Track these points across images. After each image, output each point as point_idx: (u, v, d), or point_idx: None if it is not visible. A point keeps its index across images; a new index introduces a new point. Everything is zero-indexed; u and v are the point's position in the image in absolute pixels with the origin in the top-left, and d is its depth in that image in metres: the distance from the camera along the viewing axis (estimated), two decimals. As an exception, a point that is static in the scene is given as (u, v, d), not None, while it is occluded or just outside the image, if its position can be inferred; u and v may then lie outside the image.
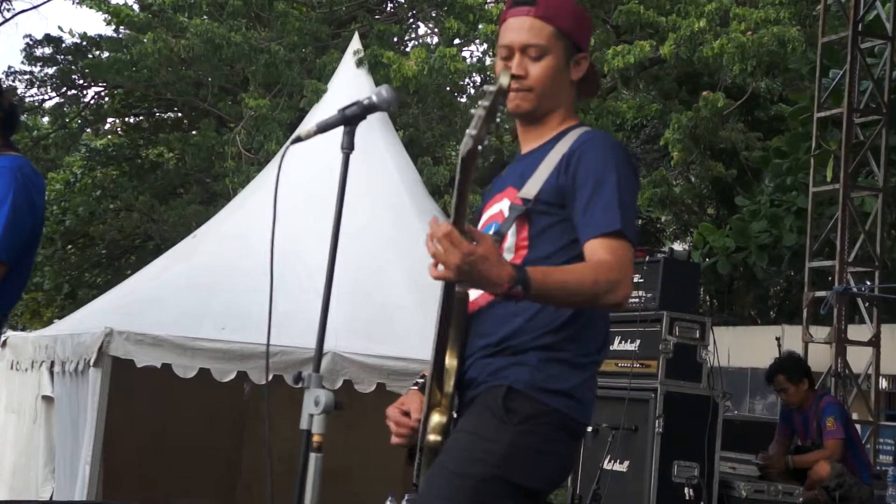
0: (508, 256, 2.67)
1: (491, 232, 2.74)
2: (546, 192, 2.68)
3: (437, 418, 2.66)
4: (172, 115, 19.65)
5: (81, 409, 7.78)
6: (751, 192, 13.33)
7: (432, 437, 2.65)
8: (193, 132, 17.89)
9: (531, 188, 2.70)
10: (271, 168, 10.62)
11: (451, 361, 2.67)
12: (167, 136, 18.98)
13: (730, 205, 14.15)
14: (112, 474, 8.03)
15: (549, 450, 2.65)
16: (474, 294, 2.71)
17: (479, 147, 2.33)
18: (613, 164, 2.64)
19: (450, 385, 2.66)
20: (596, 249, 2.57)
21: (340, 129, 3.29)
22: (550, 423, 2.63)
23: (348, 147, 3.30)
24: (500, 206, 2.79)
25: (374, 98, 3.31)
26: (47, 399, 8.56)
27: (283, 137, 12.18)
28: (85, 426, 7.63)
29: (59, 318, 14.86)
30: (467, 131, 2.31)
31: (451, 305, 2.64)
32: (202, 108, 17.10)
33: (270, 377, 7.96)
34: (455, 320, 2.68)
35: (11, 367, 9.50)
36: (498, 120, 2.46)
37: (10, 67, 33.04)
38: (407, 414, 2.78)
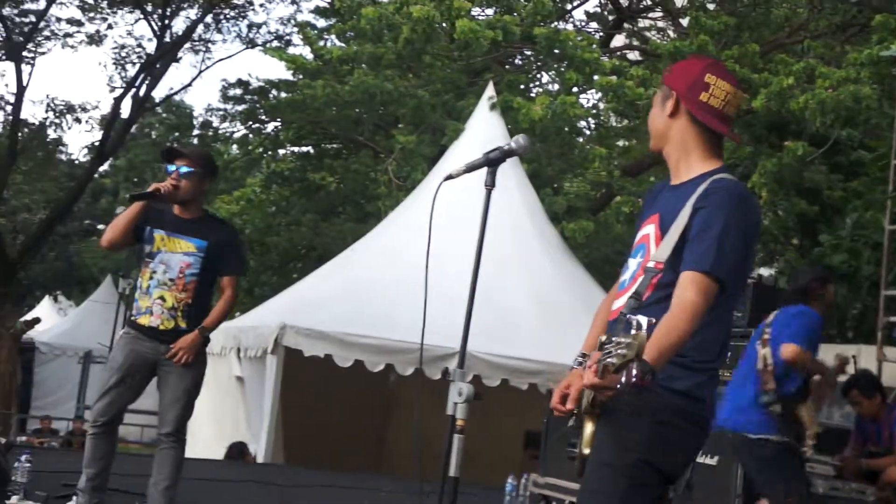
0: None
1: (637, 258, 2.78)
2: (672, 256, 2.68)
3: (589, 428, 2.65)
4: (335, 146, 19.95)
5: (263, 388, 8.06)
6: (832, 227, 12.96)
7: (586, 451, 2.65)
8: (351, 160, 18.22)
9: (663, 252, 2.69)
10: (416, 194, 10.77)
11: None
12: (330, 164, 19.33)
13: (812, 237, 13.77)
14: (289, 440, 8.30)
15: (679, 439, 2.65)
16: (616, 304, 2.77)
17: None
18: (725, 214, 2.63)
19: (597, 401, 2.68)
20: (685, 285, 2.58)
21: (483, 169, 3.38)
22: (676, 415, 2.63)
23: (490, 184, 3.40)
24: (648, 232, 2.80)
25: (513, 145, 3.40)
26: (239, 379, 8.87)
27: (426, 168, 12.33)
28: (265, 402, 7.91)
29: (242, 312, 15.28)
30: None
31: None
32: (359, 141, 17.42)
33: (412, 370, 8.13)
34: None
35: (208, 353, 9.83)
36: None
37: (209, 105, 34.13)
38: (566, 397, 2.73)
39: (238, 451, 8.44)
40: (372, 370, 8.16)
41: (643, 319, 2.33)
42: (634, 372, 2.29)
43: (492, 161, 3.19)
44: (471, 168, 3.24)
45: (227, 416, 9.20)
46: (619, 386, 2.34)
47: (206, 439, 9.67)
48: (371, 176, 15.83)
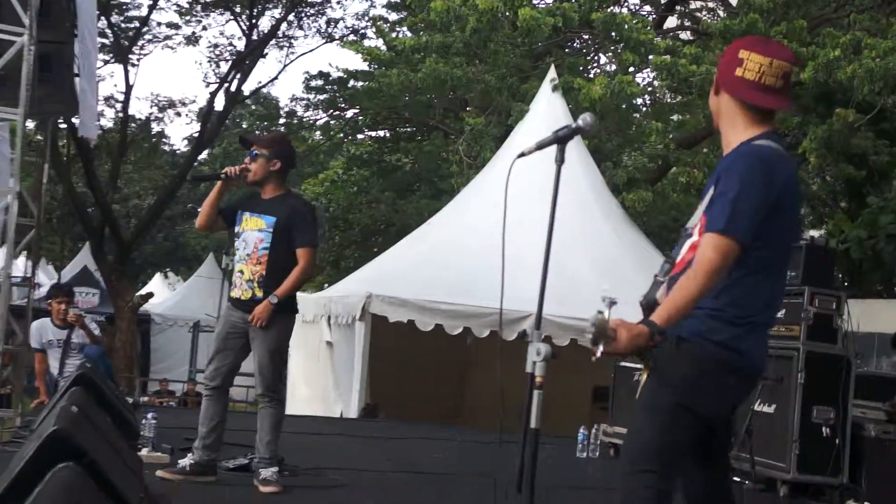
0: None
1: (687, 243, 2.78)
2: (699, 223, 2.71)
3: (644, 378, 2.74)
4: (408, 130, 20.04)
5: (351, 352, 8.18)
6: (879, 190, 12.60)
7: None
8: (424, 142, 18.27)
9: (695, 218, 2.73)
10: (486, 171, 10.77)
11: None
12: (405, 146, 19.43)
13: (860, 200, 13.40)
14: (375, 398, 8.42)
15: (715, 386, 2.66)
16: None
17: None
18: (738, 176, 2.62)
19: (648, 356, 2.72)
20: (703, 245, 2.59)
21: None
22: (713, 364, 2.64)
23: (560, 160, 3.37)
24: (698, 216, 2.79)
25: (581, 123, 3.38)
26: (328, 343, 9.01)
27: (495, 147, 12.30)
28: (354, 364, 8.02)
29: (330, 283, 15.49)
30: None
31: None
32: (431, 124, 17.46)
33: (488, 332, 8.18)
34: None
35: (301, 321, 10.02)
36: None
37: (293, 95, 34.45)
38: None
39: (370, 410, 8.62)
40: (451, 333, 8.22)
41: (608, 303, 2.54)
42: (601, 349, 2.50)
43: (561, 139, 3.19)
44: (541, 146, 3.24)
45: (318, 377, 9.38)
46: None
47: (302, 398, 9.90)
48: (443, 156, 15.87)
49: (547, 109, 10.25)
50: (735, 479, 5.23)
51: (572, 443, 6.88)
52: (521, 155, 3.43)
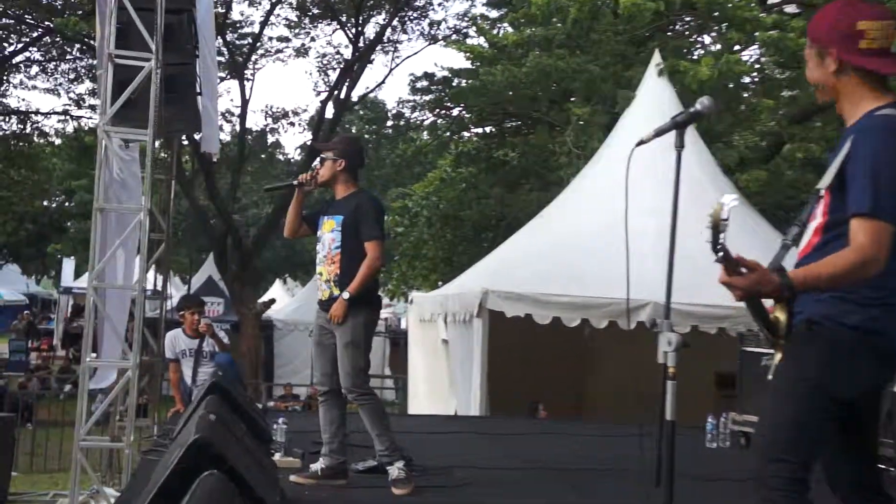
0: (813, 236, 2.63)
1: (819, 209, 2.65)
2: (835, 180, 2.57)
3: (777, 357, 2.64)
4: (514, 124, 19.93)
5: (470, 349, 8.16)
6: None
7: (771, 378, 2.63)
8: (530, 136, 18.13)
9: (826, 180, 2.60)
10: (595, 160, 10.58)
11: (780, 315, 2.62)
12: (511, 140, 19.32)
13: None
14: (496, 394, 8.38)
15: (851, 369, 2.54)
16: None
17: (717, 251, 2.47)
18: (872, 151, 2.48)
19: (782, 332, 2.62)
20: (854, 230, 2.45)
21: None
22: (848, 347, 2.52)
23: (680, 146, 3.29)
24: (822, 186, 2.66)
25: (699, 106, 3.28)
26: (445, 342, 9.03)
27: (602, 137, 12.10)
28: (473, 361, 8.00)
29: (443, 281, 15.55)
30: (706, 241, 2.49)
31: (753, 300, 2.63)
32: (536, 117, 17.29)
33: (606, 323, 8.03)
34: None
35: (420, 320, 10.08)
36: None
37: (399, 98, 34.89)
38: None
39: (532, 408, 8.63)
40: (568, 325, 8.10)
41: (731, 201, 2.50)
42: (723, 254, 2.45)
43: (679, 124, 3.10)
44: (660, 132, 3.16)
45: (436, 375, 9.41)
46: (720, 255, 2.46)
47: (423, 397, 9.96)
48: (550, 148, 15.68)
49: (653, 95, 9.99)
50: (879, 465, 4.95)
51: (698, 433, 6.67)
52: (641, 143, 3.36)
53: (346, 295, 4.61)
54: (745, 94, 14.59)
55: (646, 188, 7.92)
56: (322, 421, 4.77)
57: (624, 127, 10.08)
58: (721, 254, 2.47)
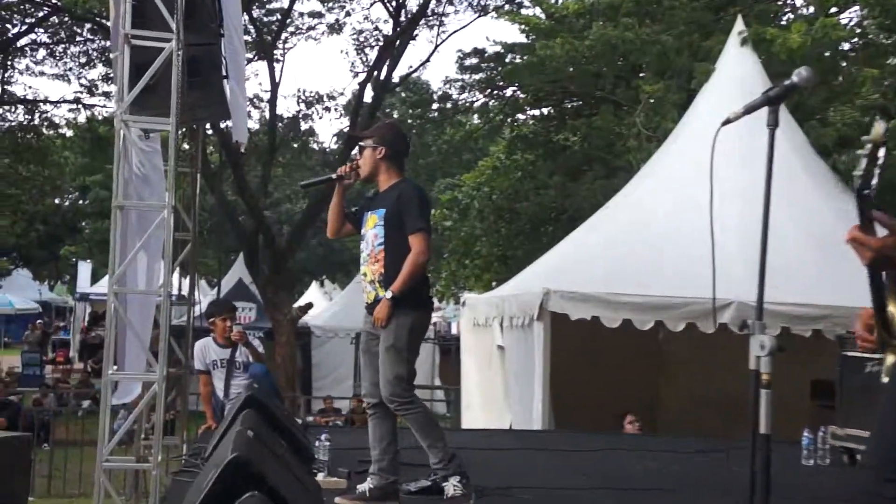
0: None
1: None
2: None
3: (890, 359, 2.59)
4: (575, 104, 19.83)
5: (529, 356, 8.15)
6: None
7: (886, 379, 2.58)
8: (594, 117, 18.03)
9: None
10: (669, 143, 10.52)
11: (894, 310, 2.58)
12: (572, 123, 19.22)
13: None
14: (559, 406, 8.36)
15: None
16: None
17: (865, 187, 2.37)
18: None
19: None
20: None
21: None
22: None
23: (773, 124, 3.24)
24: None
25: (795, 78, 3.23)
26: (500, 348, 9.04)
27: (677, 116, 12.01)
28: (534, 370, 7.99)
29: (497, 281, 15.54)
30: (854, 173, 2.34)
31: (878, 275, 2.56)
32: (600, 96, 17.20)
33: (683, 325, 7.97)
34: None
35: (473, 324, 10.11)
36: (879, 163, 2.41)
37: (446, 77, 35.04)
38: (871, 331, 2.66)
39: (618, 420, 8.65)
40: (641, 328, 8.06)
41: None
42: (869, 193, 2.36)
43: (772, 99, 3.06)
44: (750, 109, 3.12)
45: (491, 384, 9.43)
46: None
47: (477, 409, 9.99)
48: (616, 130, 15.60)
49: (736, 67, 9.89)
50: None
51: (792, 447, 6.59)
52: (727, 121, 3.33)
53: (389, 294, 4.62)
54: (844, 64, 14.35)
55: (728, 173, 7.86)
56: (371, 436, 4.79)
57: (702, 104, 10.00)
58: (868, 192, 2.41)
